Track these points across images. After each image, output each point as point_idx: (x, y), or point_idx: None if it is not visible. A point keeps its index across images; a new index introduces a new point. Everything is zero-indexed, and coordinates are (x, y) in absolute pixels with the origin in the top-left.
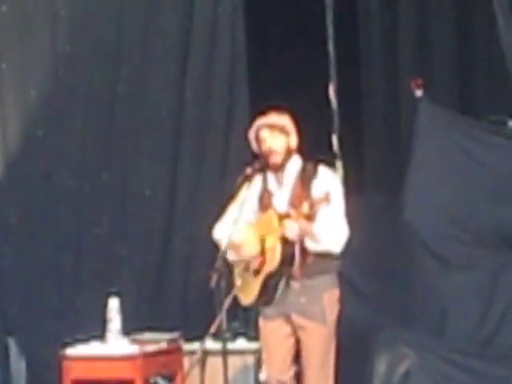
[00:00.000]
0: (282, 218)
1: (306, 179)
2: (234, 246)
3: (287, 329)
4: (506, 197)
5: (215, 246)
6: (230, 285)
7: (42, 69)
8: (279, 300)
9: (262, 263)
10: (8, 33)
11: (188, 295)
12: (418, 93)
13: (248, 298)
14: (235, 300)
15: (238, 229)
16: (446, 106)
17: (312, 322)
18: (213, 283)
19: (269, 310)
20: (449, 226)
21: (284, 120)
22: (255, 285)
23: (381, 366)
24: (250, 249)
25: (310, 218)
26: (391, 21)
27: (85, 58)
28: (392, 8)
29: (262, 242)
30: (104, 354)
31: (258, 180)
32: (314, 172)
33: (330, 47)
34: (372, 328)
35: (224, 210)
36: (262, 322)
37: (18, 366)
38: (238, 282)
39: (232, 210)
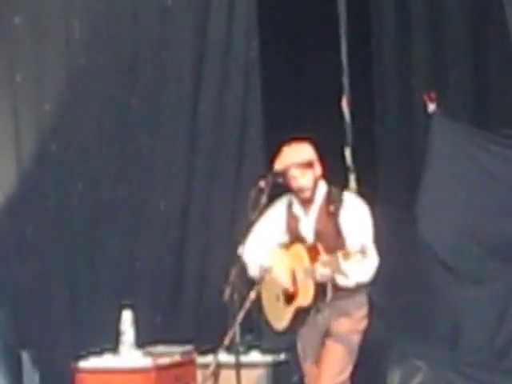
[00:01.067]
0: (312, 253)
1: (332, 206)
2: (267, 272)
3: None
4: None
5: (229, 259)
6: (244, 298)
7: (56, 82)
8: (311, 325)
9: (295, 295)
10: (22, 45)
11: (201, 308)
12: (432, 106)
13: (279, 323)
14: (249, 313)
15: (268, 253)
16: (459, 120)
17: (342, 333)
18: (226, 296)
19: (305, 342)
20: (462, 239)
21: (309, 153)
22: (287, 313)
23: (394, 379)
24: (282, 279)
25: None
26: (405, 34)
27: (99, 72)
28: (405, 21)
29: (293, 273)
30: (117, 367)
31: (282, 202)
32: (340, 198)
33: (344, 60)
34: (386, 341)
35: (237, 225)
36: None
37: (32, 378)
38: (253, 294)
39: (260, 230)
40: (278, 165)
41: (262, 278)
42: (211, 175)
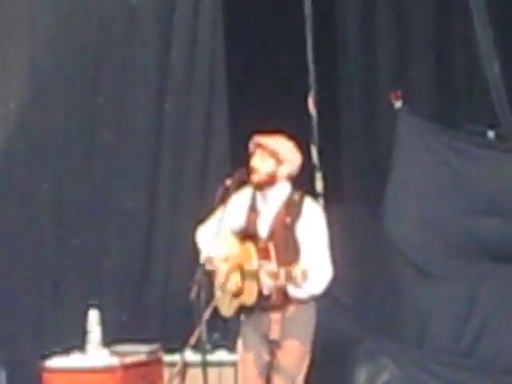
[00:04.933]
0: (262, 254)
1: (290, 213)
2: (213, 261)
3: (262, 358)
4: (486, 207)
5: (195, 257)
6: (210, 296)
7: (21, 81)
8: (256, 319)
9: (240, 291)
10: None
11: (168, 307)
12: (398, 104)
13: (226, 312)
14: (215, 311)
15: (220, 239)
16: (425, 117)
17: (287, 337)
18: (192, 295)
19: (247, 334)
20: (428, 236)
21: (283, 147)
22: (232, 306)
23: (361, 377)
24: (229, 272)
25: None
26: (370, 32)
27: (64, 70)
28: (371, 19)
29: (242, 270)
30: (84, 366)
31: (247, 192)
32: (300, 206)
33: (310, 59)
34: (352, 339)
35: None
36: (241, 347)
37: None
38: (218, 293)
39: (217, 215)
40: (251, 141)
41: (205, 263)
42: (177, 174)
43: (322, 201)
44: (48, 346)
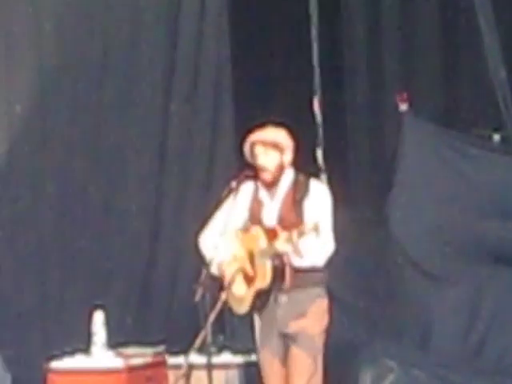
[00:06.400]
0: (270, 236)
1: (298, 193)
2: (221, 266)
3: (280, 353)
4: (491, 210)
5: (200, 259)
6: (215, 299)
7: (27, 83)
8: (270, 316)
9: (253, 278)
10: None
11: (173, 309)
12: (403, 107)
13: (240, 308)
14: (221, 314)
15: (226, 240)
16: (430, 120)
17: (302, 332)
18: (197, 297)
19: (263, 332)
20: (433, 239)
21: (279, 136)
22: (247, 297)
23: (366, 380)
24: (238, 264)
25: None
26: (376, 35)
27: (70, 72)
28: (377, 21)
29: (251, 256)
30: (89, 368)
31: (248, 187)
32: (306, 186)
33: (315, 61)
34: (357, 342)
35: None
36: (259, 347)
37: (4, 380)
38: (223, 295)
39: (219, 218)
40: (246, 144)
41: (210, 265)
42: (182, 176)
43: None
44: (53, 348)
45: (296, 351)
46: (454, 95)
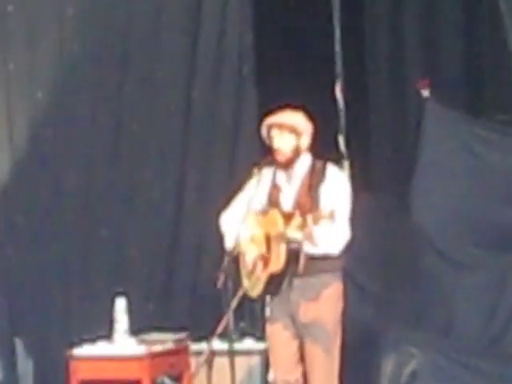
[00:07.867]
0: (287, 220)
1: (314, 179)
2: (240, 246)
3: (292, 330)
4: None
5: (223, 247)
6: (237, 285)
7: (49, 70)
8: (283, 299)
9: (267, 261)
10: (15, 33)
11: (195, 295)
12: (425, 93)
13: (254, 290)
14: (242, 300)
15: (245, 221)
16: (453, 106)
17: (315, 321)
18: (220, 284)
19: (274, 312)
20: (456, 226)
21: (296, 119)
22: (260, 279)
23: (388, 366)
24: (256, 248)
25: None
26: (398, 20)
27: (92, 59)
28: (399, 8)
29: (268, 239)
30: (111, 355)
31: (268, 173)
32: (323, 172)
33: (337, 47)
34: (379, 328)
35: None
36: (267, 323)
37: (26, 366)
38: (245, 282)
39: (240, 201)
40: (263, 127)
41: (233, 251)
42: (205, 163)
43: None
44: (76, 334)
45: (310, 348)
46: (476, 81)
